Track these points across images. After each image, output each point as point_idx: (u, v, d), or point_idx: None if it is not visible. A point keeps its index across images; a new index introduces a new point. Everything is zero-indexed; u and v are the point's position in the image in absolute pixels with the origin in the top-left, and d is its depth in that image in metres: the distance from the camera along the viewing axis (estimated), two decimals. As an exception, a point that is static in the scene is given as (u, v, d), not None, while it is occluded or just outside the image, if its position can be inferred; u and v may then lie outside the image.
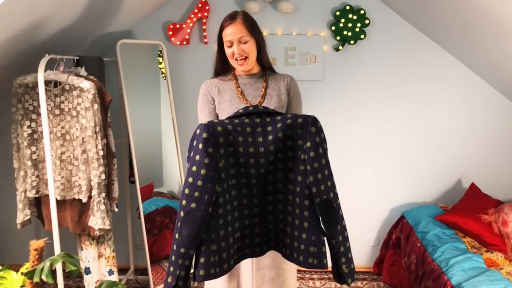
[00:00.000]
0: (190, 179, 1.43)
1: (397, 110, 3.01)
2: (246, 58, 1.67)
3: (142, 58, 2.93)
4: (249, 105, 1.63)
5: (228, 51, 1.68)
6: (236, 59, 1.67)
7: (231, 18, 1.66)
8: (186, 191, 1.43)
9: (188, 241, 1.42)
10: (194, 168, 1.43)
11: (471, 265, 2.19)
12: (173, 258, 1.47)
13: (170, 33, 2.87)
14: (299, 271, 3.13)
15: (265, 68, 1.79)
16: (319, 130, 1.50)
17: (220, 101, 1.71)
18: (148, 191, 2.84)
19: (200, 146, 1.42)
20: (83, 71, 2.28)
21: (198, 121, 1.73)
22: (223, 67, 1.77)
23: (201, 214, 1.41)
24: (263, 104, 1.70)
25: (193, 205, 1.41)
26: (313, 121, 1.50)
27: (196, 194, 1.41)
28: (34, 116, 2.23)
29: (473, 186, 2.87)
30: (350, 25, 2.84)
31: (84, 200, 2.20)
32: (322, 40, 2.91)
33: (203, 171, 1.41)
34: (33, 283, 1.20)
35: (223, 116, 1.70)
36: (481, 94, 2.96)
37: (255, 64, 1.75)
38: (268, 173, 1.54)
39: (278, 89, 1.74)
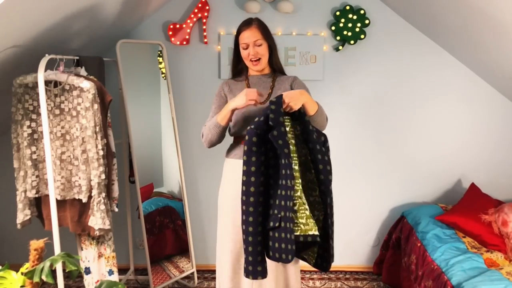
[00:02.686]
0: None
1: (397, 110, 3.01)
2: (259, 59, 1.89)
3: (142, 58, 2.93)
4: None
5: (244, 53, 1.90)
6: (251, 60, 1.89)
7: (247, 23, 1.90)
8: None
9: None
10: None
11: (471, 265, 2.19)
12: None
13: (170, 33, 2.86)
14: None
15: (276, 70, 1.98)
16: None
17: (230, 98, 1.93)
18: (148, 191, 2.84)
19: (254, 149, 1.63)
20: (83, 71, 2.28)
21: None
22: (237, 67, 2.01)
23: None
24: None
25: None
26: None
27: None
28: (34, 116, 2.23)
29: (473, 186, 2.87)
30: (350, 25, 2.84)
31: (84, 200, 2.19)
32: (322, 40, 2.91)
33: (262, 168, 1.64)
34: (33, 283, 1.20)
35: None
36: (481, 94, 2.96)
37: (267, 66, 1.95)
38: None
39: (284, 89, 1.91)
